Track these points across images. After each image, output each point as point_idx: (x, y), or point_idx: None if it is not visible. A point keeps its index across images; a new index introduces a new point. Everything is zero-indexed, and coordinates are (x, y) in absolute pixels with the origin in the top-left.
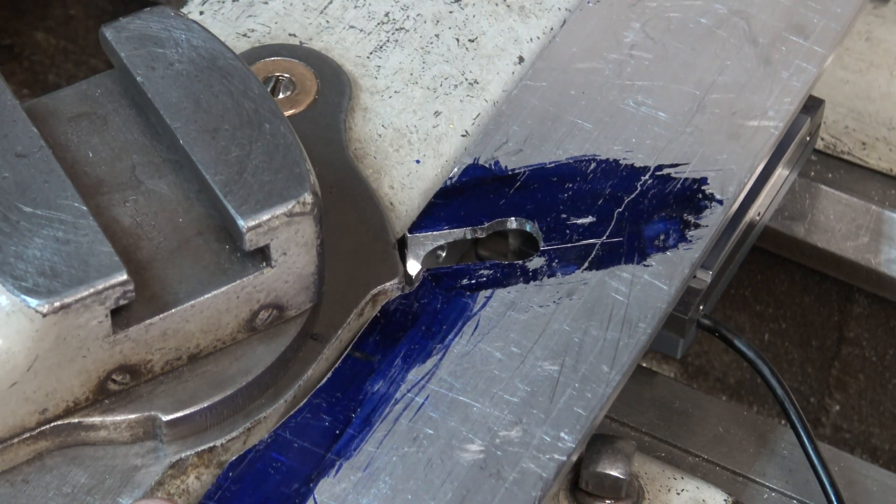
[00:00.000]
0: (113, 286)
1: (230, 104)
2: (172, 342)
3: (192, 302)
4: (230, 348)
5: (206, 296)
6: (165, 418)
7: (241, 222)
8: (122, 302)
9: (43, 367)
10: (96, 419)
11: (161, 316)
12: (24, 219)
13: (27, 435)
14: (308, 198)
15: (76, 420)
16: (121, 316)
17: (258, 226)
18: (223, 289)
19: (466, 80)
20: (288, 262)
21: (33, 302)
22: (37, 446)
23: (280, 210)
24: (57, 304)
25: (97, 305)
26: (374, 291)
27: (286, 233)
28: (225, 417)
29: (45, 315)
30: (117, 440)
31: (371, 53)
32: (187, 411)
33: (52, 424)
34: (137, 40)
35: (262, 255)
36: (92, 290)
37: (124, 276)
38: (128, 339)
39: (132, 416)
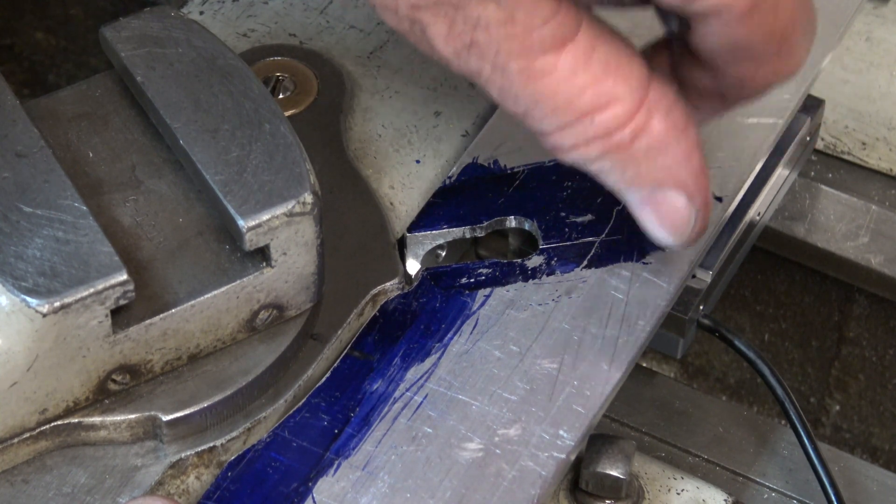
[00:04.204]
0: (113, 286)
1: (230, 104)
2: (172, 342)
3: (192, 302)
4: (230, 348)
5: (206, 296)
6: (165, 418)
7: (241, 222)
8: (122, 302)
9: (43, 367)
10: (96, 419)
11: (161, 316)
12: (24, 219)
13: (27, 435)
14: (308, 198)
15: (76, 420)
16: (121, 316)
17: (258, 226)
18: (223, 289)
19: (466, 80)
20: (288, 262)
21: (33, 302)
22: (37, 446)
23: (280, 210)
24: (57, 304)
25: (97, 305)
26: (374, 291)
27: (286, 233)
28: (225, 417)
29: (45, 315)
30: (117, 440)
31: (371, 53)
32: (187, 411)
33: (52, 424)
34: (137, 40)
35: (262, 255)
36: (92, 290)
37: (124, 276)
38: (128, 339)
39: (132, 416)
